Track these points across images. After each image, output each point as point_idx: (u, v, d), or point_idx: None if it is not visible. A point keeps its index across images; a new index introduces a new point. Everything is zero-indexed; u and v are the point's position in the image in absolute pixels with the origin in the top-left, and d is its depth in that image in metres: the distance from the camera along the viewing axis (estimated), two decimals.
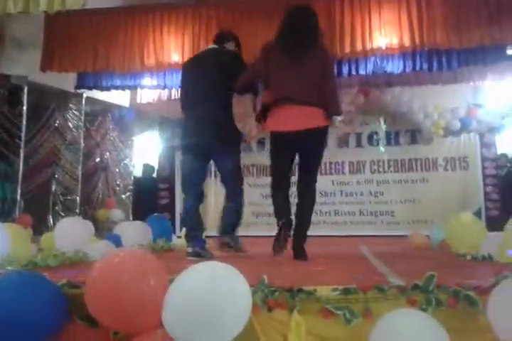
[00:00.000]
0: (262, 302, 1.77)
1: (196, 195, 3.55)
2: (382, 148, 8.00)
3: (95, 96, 7.19)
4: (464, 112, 7.55)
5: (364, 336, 1.64)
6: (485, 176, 7.65)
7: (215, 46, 3.62)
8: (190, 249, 3.34)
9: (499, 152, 7.73)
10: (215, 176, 8.65)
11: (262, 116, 3.31)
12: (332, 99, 3.11)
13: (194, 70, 3.47)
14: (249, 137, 3.49)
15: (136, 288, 1.52)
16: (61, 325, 1.69)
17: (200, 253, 3.27)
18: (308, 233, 3.35)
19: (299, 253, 3.09)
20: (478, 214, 7.47)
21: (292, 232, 3.17)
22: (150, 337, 1.56)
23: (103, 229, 6.86)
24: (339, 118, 3.17)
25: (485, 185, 7.64)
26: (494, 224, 5.15)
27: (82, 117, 7.03)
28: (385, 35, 5.36)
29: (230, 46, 3.66)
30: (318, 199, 7.43)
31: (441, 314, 1.75)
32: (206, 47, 3.84)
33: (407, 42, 5.28)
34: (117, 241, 3.94)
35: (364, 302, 1.77)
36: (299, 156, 3.26)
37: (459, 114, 7.55)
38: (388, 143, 8.12)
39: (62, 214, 6.56)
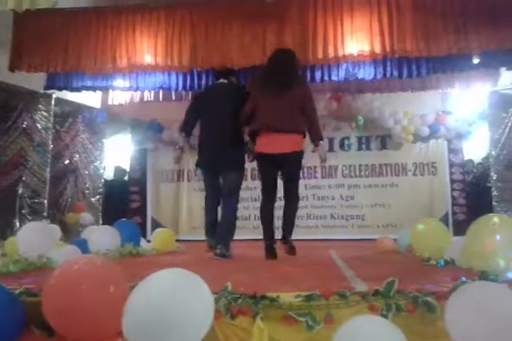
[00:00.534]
0: (225, 309, 1.77)
1: (226, 206, 4.05)
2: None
3: (65, 97, 7.04)
4: (432, 119, 7.73)
5: None
6: (452, 181, 7.84)
7: (225, 81, 4.18)
8: (218, 251, 3.74)
9: (466, 158, 7.93)
10: (188, 180, 8.63)
11: (251, 139, 3.88)
12: (313, 126, 3.73)
13: (209, 101, 4.05)
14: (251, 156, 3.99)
15: (95, 296, 1.50)
16: (17, 335, 1.65)
17: (224, 254, 3.73)
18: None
19: (290, 251, 3.85)
20: (445, 218, 7.65)
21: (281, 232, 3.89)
22: None
23: (72, 233, 6.71)
24: (321, 142, 3.83)
25: (452, 189, 7.82)
26: (461, 229, 5.27)
27: (52, 118, 6.85)
28: (356, 42, 5.43)
29: (233, 79, 4.36)
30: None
31: (401, 319, 1.79)
32: (217, 82, 4.35)
33: (377, 49, 5.37)
34: (84, 246, 3.87)
35: (326, 309, 1.79)
36: (281, 173, 3.84)
37: (428, 120, 7.73)
38: (359, 148, 8.24)
39: (30, 218, 6.39)
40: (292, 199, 3.83)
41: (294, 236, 4.00)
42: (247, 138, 3.98)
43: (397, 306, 1.77)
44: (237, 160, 3.92)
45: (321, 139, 3.83)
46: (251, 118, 3.77)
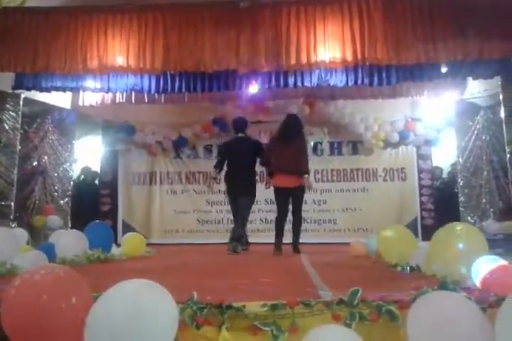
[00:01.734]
0: (190, 319, 1.76)
1: (240, 218, 5.47)
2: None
3: (34, 97, 6.88)
4: (402, 125, 7.89)
5: None
6: (421, 187, 8.02)
7: (242, 135, 5.73)
8: (232, 248, 5.08)
9: (435, 164, 8.12)
10: (160, 183, 8.56)
11: (268, 175, 5.38)
12: (304, 166, 5.11)
13: (232, 149, 5.61)
14: (268, 185, 5.42)
15: (56, 307, 1.47)
16: None
17: (237, 250, 5.09)
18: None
19: (295, 250, 5.20)
20: (414, 223, 7.82)
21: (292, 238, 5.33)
22: None
23: (40, 237, 6.56)
24: (306, 175, 5.12)
25: (421, 195, 8.00)
26: (429, 233, 5.38)
27: (20, 119, 6.67)
28: (328, 49, 5.49)
29: (247, 132, 5.87)
30: (264, 206, 7.58)
31: (364, 328, 1.81)
32: (237, 135, 5.79)
33: (349, 57, 5.45)
34: (51, 251, 3.79)
35: (291, 318, 1.80)
36: (291, 199, 5.25)
37: (398, 126, 7.89)
38: (331, 153, 8.34)
39: None
40: (299, 215, 5.31)
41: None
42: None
43: (360, 315, 1.80)
44: (250, 188, 5.49)
45: (308, 174, 5.17)
46: (268, 162, 5.28)
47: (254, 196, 5.57)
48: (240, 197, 5.43)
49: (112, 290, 1.55)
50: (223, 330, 1.76)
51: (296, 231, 5.26)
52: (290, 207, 5.34)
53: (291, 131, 5.13)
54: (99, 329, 1.48)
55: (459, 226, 2.64)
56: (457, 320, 1.60)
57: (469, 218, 6.62)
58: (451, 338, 1.59)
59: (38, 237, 6.54)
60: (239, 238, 5.24)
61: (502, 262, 2.20)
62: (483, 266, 2.16)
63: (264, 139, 7.41)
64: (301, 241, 7.53)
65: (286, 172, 5.02)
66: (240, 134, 5.69)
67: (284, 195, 5.16)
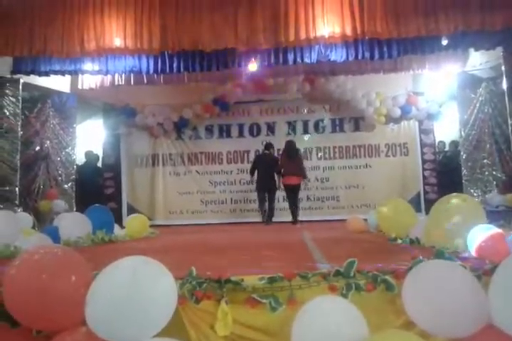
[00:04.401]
0: (190, 294, 1.80)
1: (263, 203, 7.55)
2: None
3: (33, 82, 6.85)
4: (404, 100, 7.82)
5: (289, 323, 1.71)
6: (424, 161, 8.00)
7: (267, 152, 7.60)
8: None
9: (437, 138, 8.07)
10: (163, 165, 8.59)
11: (281, 178, 7.32)
12: (303, 172, 7.25)
13: (261, 161, 7.53)
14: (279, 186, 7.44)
15: (57, 285, 1.50)
16: None
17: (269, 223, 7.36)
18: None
19: (294, 222, 7.18)
20: (417, 197, 7.84)
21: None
22: (73, 335, 1.55)
23: (46, 221, 6.63)
24: (306, 180, 7.32)
25: (423, 169, 7.99)
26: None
27: (20, 104, 6.66)
28: (327, 24, 5.41)
29: (272, 150, 7.68)
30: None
31: (360, 298, 1.85)
32: (265, 151, 7.66)
33: (348, 31, 5.37)
34: (55, 234, 3.84)
35: (289, 290, 1.84)
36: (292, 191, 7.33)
37: (400, 101, 7.81)
38: (333, 130, 8.30)
39: (1, 206, 6.28)
40: (296, 202, 7.38)
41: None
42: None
43: (356, 285, 1.83)
44: (274, 186, 7.41)
45: (306, 178, 7.32)
46: (280, 171, 7.28)
47: (276, 190, 7.53)
48: (269, 191, 7.49)
49: (110, 267, 1.58)
50: (222, 304, 1.80)
51: (295, 211, 7.38)
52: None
53: (292, 151, 7.34)
54: (100, 305, 1.52)
55: (455, 198, 2.64)
56: (452, 288, 1.63)
57: (472, 191, 6.62)
58: (446, 306, 1.62)
59: (44, 221, 6.61)
60: (270, 215, 7.51)
61: (496, 230, 2.21)
62: (479, 235, 2.17)
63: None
64: (304, 218, 7.85)
65: (292, 175, 7.18)
66: (266, 151, 7.64)
67: (289, 189, 7.32)
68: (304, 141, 8.39)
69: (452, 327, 1.60)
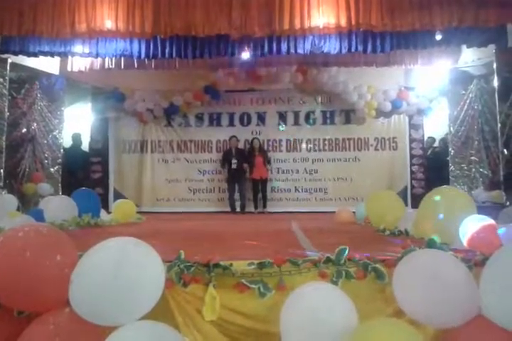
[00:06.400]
0: (178, 277, 1.77)
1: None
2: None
3: (22, 63, 6.70)
4: (395, 94, 7.82)
5: (278, 309, 1.69)
6: (412, 156, 8.04)
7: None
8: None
9: (426, 134, 8.11)
10: (152, 152, 8.50)
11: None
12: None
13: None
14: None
15: (40, 264, 1.46)
16: None
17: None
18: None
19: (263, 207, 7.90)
20: (404, 191, 7.88)
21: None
22: (56, 316, 1.51)
23: (31, 204, 6.54)
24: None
25: (411, 164, 8.03)
26: (418, 202, 5.43)
27: (7, 84, 6.51)
28: (322, 14, 5.36)
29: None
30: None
31: (351, 286, 1.84)
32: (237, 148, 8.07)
33: (343, 22, 5.33)
34: (40, 216, 3.78)
35: (278, 276, 1.82)
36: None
37: (391, 95, 7.81)
38: (324, 122, 8.29)
39: None
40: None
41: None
42: None
43: (347, 273, 1.82)
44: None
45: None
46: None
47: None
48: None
49: (97, 247, 1.54)
50: (210, 288, 1.78)
51: (264, 199, 7.98)
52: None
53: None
54: (84, 286, 1.48)
55: (446, 190, 2.65)
56: (443, 278, 1.62)
57: (459, 187, 6.67)
58: (437, 296, 1.61)
59: (28, 204, 6.52)
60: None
61: (489, 221, 2.22)
62: (471, 226, 2.18)
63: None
64: (292, 209, 7.87)
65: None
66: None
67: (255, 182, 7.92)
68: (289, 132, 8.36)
69: (442, 316, 1.60)
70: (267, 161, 7.91)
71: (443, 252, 1.82)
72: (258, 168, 7.79)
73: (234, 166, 7.75)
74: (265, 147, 8.24)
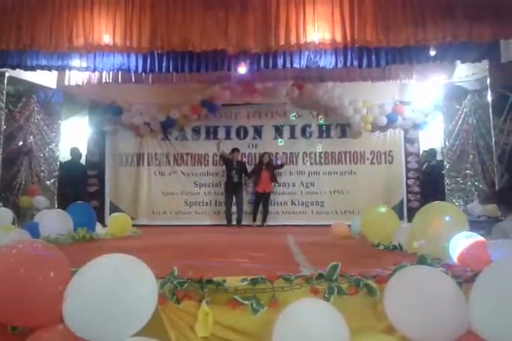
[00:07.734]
0: (171, 293, 1.78)
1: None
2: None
3: (19, 76, 6.75)
4: (390, 108, 7.90)
5: (270, 326, 1.69)
6: (407, 170, 8.08)
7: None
8: None
9: (422, 147, 8.16)
10: (148, 165, 8.51)
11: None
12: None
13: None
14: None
15: (34, 280, 1.47)
16: None
17: None
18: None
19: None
20: (400, 205, 7.91)
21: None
22: (50, 332, 1.51)
23: (26, 217, 6.51)
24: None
25: (407, 178, 8.07)
26: (414, 216, 5.45)
27: (4, 98, 6.55)
28: (318, 30, 5.43)
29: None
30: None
31: (343, 302, 1.84)
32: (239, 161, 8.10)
33: (338, 38, 5.40)
34: (35, 230, 3.78)
35: (271, 292, 1.83)
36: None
37: (386, 110, 7.89)
38: (320, 135, 8.34)
39: None
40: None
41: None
42: None
43: (339, 289, 1.83)
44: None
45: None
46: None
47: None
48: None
49: (91, 264, 1.55)
50: (203, 304, 1.78)
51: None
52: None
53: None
54: (78, 302, 1.49)
55: (439, 205, 2.67)
56: (433, 294, 1.63)
57: (454, 201, 6.69)
58: (427, 312, 1.62)
59: (24, 217, 6.50)
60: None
61: (479, 238, 2.24)
62: (460, 242, 2.19)
63: None
64: (288, 223, 7.87)
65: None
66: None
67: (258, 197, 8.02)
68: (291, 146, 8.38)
69: (433, 332, 1.60)
70: (274, 178, 7.91)
71: (433, 268, 1.83)
72: (263, 182, 7.82)
73: (234, 179, 7.74)
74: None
